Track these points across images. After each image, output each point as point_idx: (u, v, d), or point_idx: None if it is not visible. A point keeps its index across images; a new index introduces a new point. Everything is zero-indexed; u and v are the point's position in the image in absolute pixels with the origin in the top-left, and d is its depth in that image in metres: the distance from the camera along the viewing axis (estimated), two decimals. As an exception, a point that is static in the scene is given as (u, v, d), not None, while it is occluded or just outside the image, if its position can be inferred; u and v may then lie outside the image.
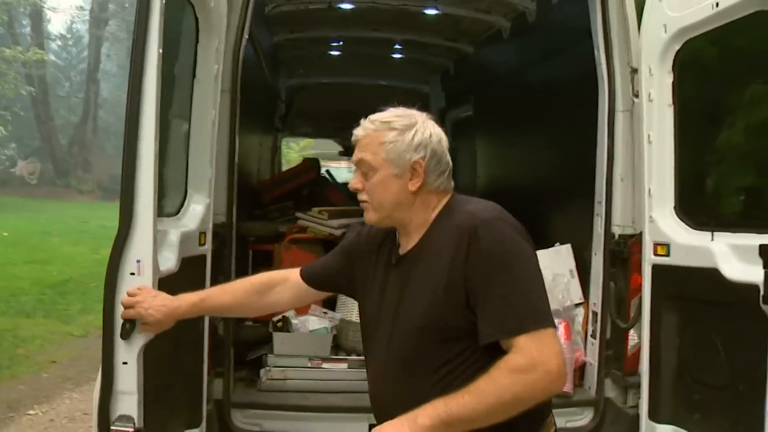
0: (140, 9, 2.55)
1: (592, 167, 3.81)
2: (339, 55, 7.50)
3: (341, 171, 10.81)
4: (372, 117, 2.11)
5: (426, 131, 2.06)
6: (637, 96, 3.57)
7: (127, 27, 39.09)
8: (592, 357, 3.75)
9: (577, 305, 4.04)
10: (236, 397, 3.59)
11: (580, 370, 3.84)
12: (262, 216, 5.62)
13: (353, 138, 2.12)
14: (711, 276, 3.06)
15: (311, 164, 7.07)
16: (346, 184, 8.37)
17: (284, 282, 2.50)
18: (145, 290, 2.46)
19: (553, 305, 3.87)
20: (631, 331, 3.62)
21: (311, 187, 6.43)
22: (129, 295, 2.43)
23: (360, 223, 2.36)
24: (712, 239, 3.15)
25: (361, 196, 2.13)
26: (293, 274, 2.50)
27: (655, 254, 3.42)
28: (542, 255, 4.16)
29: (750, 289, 2.83)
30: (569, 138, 4.38)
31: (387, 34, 6.38)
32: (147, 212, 2.62)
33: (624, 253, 3.63)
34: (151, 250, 2.60)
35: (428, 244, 2.06)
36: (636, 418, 3.48)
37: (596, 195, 3.77)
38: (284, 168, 9.56)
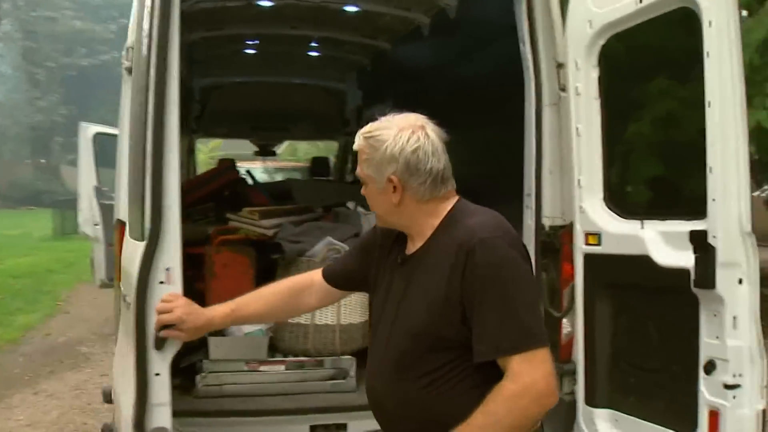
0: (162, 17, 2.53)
1: (519, 161, 3.88)
2: (255, 53, 7.38)
3: (257, 171, 10.67)
4: (362, 130, 2.12)
5: (397, 144, 2.02)
6: (563, 90, 3.65)
7: (22, 26, 37.68)
8: (527, 347, 3.81)
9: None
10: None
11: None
12: (184, 219, 5.46)
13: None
14: (642, 263, 3.16)
15: (229, 165, 6.94)
16: (267, 185, 8.26)
17: (311, 285, 2.52)
18: (179, 297, 2.50)
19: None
20: (564, 320, 3.70)
21: (232, 188, 6.30)
22: (164, 301, 2.47)
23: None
24: (642, 227, 3.26)
25: None
26: (317, 275, 2.53)
27: (587, 244, 3.51)
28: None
29: (680, 273, 2.93)
30: (494, 133, 4.45)
31: (305, 31, 6.32)
32: (175, 220, 2.58)
33: (555, 243, 3.71)
34: (180, 257, 2.53)
35: (430, 252, 2.07)
36: (572, 405, 3.56)
37: (525, 188, 3.84)
38: (198, 169, 9.37)
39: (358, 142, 2.10)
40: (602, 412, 3.44)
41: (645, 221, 3.27)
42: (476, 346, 1.93)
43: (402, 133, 2.02)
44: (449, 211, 2.10)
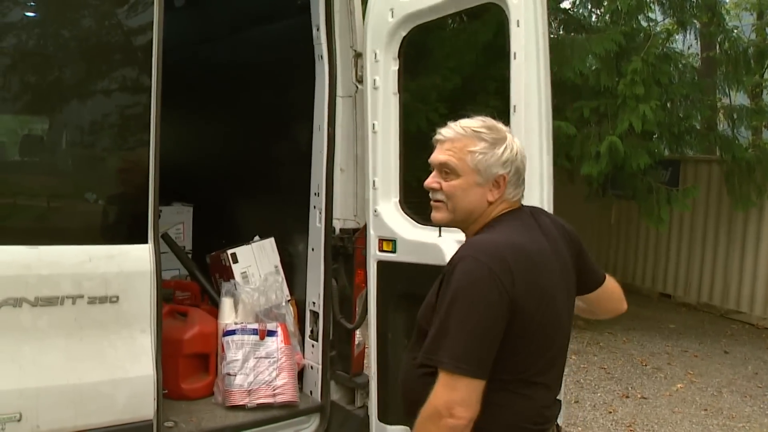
0: None
1: (305, 155, 3.55)
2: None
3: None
4: (461, 122, 2.08)
5: (513, 148, 2.07)
6: (360, 81, 3.38)
7: None
8: (314, 360, 3.51)
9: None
10: None
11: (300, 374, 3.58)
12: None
13: (438, 137, 2.09)
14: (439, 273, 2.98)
15: None
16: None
17: None
18: None
19: (267, 305, 3.57)
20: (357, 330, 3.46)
21: None
22: None
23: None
24: (440, 235, 3.06)
25: (436, 195, 2.10)
26: None
27: (381, 250, 3.27)
28: (244, 251, 3.83)
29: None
30: (276, 124, 4.01)
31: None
32: None
33: (347, 248, 3.44)
34: None
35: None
36: (366, 419, 3.34)
37: (313, 186, 3.52)
38: None
39: (462, 132, 2.06)
40: (396, 429, 3.20)
41: (443, 228, 3.04)
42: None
43: (515, 139, 2.10)
44: (492, 218, 2.10)
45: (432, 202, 2.12)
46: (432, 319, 1.96)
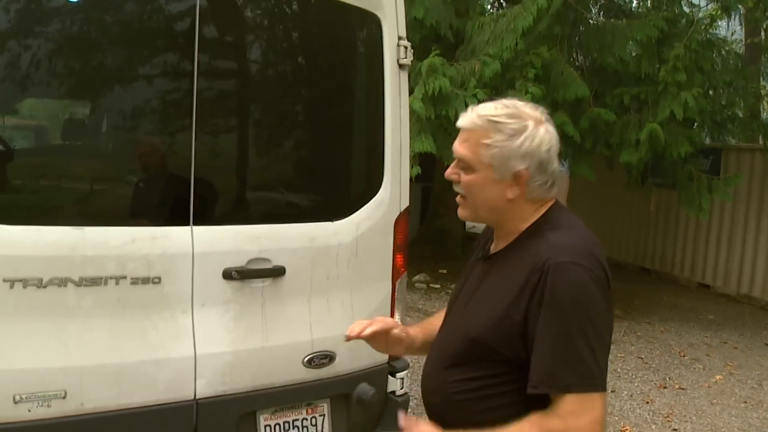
0: None
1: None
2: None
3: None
4: (481, 110, 1.88)
5: (535, 139, 1.84)
6: (401, 67, 3.40)
7: None
8: (351, 344, 3.53)
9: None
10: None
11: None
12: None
13: (459, 122, 1.91)
14: None
15: None
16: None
17: None
18: None
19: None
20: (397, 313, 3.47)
21: None
22: None
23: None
24: None
25: (457, 188, 1.94)
26: None
27: None
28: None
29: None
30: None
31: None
32: None
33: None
34: None
35: (509, 257, 1.92)
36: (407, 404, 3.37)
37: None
38: None
39: (478, 122, 1.86)
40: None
41: None
42: (531, 374, 1.77)
43: (539, 128, 1.86)
44: (541, 216, 1.92)
45: (458, 197, 1.97)
46: (509, 337, 1.80)
